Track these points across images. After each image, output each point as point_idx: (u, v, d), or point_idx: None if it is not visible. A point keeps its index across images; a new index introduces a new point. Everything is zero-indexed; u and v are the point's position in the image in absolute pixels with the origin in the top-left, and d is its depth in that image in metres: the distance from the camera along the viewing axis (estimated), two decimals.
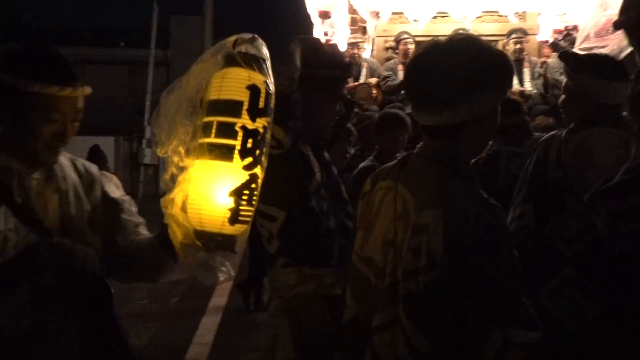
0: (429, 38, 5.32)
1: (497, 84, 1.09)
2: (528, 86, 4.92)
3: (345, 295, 1.27)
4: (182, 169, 1.08)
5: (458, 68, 1.05)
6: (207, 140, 1.07)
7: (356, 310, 1.20)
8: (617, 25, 1.31)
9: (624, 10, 1.30)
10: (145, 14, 14.99)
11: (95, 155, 5.99)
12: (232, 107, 1.07)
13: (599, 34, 4.61)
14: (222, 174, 1.07)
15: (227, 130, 1.07)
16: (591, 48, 4.56)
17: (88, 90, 1.20)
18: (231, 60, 1.09)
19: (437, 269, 1.02)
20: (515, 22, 4.98)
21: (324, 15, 4.89)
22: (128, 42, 16.85)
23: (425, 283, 1.03)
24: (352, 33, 5.31)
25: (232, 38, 1.11)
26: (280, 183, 1.83)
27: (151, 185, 13.67)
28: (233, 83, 1.07)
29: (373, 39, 5.27)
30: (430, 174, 1.10)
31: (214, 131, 1.07)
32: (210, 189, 1.07)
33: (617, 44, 4.42)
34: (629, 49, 4.48)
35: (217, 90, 1.08)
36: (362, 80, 5.09)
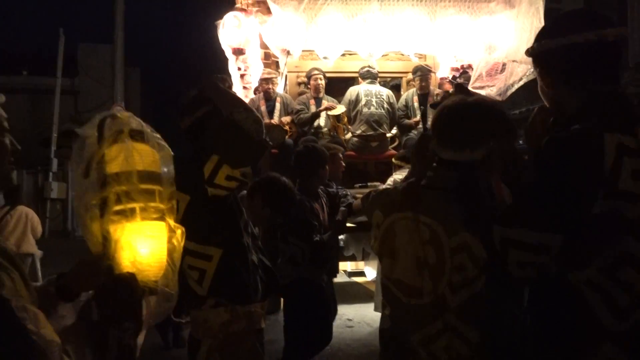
0: (339, 74, 5.65)
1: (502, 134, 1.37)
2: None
3: (384, 312, 1.47)
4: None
5: (479, 121, 1.35)
6: (133, 205, 1.20)
7: (394, 330, 1.40)
8: (527, 53, 1.38)
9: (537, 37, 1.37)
10: (51, 41, 14.35)
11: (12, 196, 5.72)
12: (150, 176, 1.24)
13: (489, 74, 5.11)
14: (160, 232, 1.24)
15: (148, 195, 1.23)
16: (483, 87, 5.04)
17: None
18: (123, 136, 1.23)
19: (483, 273, 1.27)
20: (416, 61, 5.37)
21: (238, 51, 5.01)
22: (32, 69, 15.99)
23: (476, 291, 1.28)
24: (265, 67, 5.48)
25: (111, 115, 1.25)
26: (217, 222, 1.91)
27: (58, 220, 12.92)
28: (136, 156, 1.23)
29: (285, 75, 5.46)
30: (449, 202, 1.33)
31: (137, 196, 1.21)
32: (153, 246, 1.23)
33: (503, 82, 4.93)
34: (515, 88, 4.99)
35: (121, 164, 1.22)
36: (276, 114, 5.24)
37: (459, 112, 1.37)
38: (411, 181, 1.45)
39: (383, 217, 1.42)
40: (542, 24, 4.46)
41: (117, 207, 1.18)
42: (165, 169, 1.27)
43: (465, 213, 1.31)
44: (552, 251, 1.13)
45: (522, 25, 4.61)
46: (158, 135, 1.31)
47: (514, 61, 4.66)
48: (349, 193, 3.54)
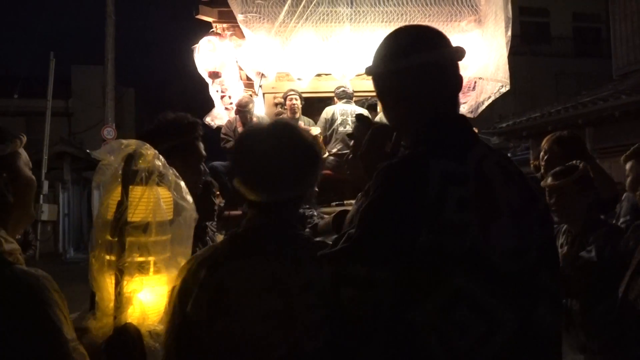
0: (315, 94, 5.71)
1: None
2: None
3: None
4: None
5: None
6: (148, 259, 1.26)
7: None
8: (366, 72, 1.29)
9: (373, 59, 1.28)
10: (44, 64, 14.50)
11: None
12: (164, 226, 1.29)
13: (462, 91, 5.18)
14: (165, 282, 1.29)
15: (161, 247, 1.29)
16: None
17: None
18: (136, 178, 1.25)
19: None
20: None
21: (214, 75, 5.10)
22: (25, 92, 16.15)
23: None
24: (246, 87, 5.55)
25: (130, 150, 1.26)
26: None
27: (49, 243, 12.94)
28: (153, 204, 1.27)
29: (262, 96, 5.54)
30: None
31: (153, 249, 1.27)
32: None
33: (474, 100, 5.00)
34: (485, 105, 5.06)
35: (143, 213, 1.25)
36: None
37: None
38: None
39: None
40: (507, 42, 4.55)
41: (133, 259, 1.22)
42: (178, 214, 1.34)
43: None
44: (383, 287, 1.02)
45: (490, 44, 4.69)
46: (173, 171, 1.35)
47: (480, 78, 4.73)
48: (315, 214, 3.58)
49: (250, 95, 5.54)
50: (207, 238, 3.02)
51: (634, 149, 1.84)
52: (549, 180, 2.43)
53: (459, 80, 1.24)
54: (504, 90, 4.60)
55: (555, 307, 1.11)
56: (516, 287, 1.05)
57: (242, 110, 5.29)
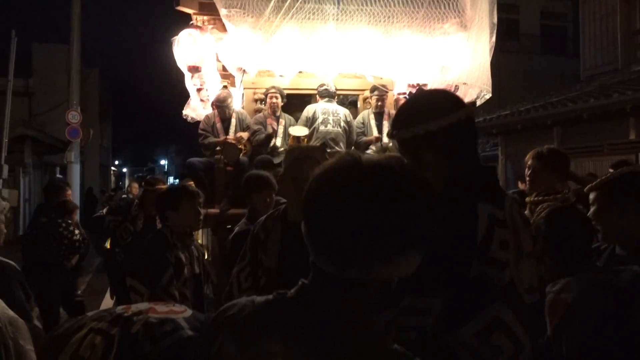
0: (297, 91, 5.64)
1: None
2: (385, 139, 5.35)
3: None
4: None
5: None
6: None
7: None
8: (390, 136, 1.41)
9: (398, 124, 1.38)
10: (4, 42, 13.81)
11: None
12: None
13: None
14: None
15: None
16: None
17: None
18: None
19: None
20: (372, 79, 5.39)
21: (194, 69, 4.97)
22: None
23: None
24: (223, 79, 5.41)
25: None
26: None
27: (9, 229, 12.45)
28: None
29: (243, 91, 5.43)
30: None
31: None
32: None
33: None
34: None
35: None
36: (231, 131, 5.20)
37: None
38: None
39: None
40: (491, 48, 4.57)
41: None
42: None
43: None
44: (433, 314, 1.15)
45: (474, 49, 4.71)
46: None
47: (464, 84, 4.75)
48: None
49: (226, 87, 5.42)
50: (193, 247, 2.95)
51: (600, 182, 1.87)
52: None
53: (477, 133, 1.41)
54: (487, 96, 4.64)
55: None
56: (532, 316, 1.26)
57: (221, 105, 5.18)
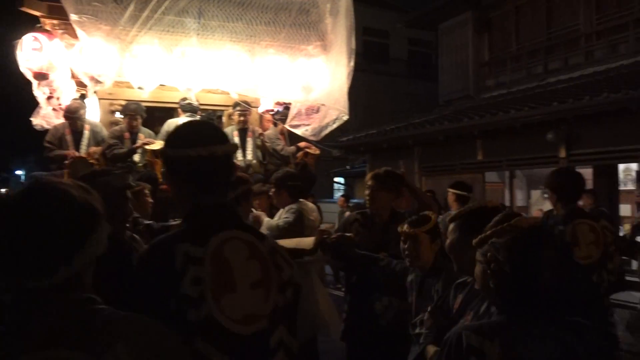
0: (158, 104, 5.43)
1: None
2: (250, 156, 5.36)
3: None
4: None
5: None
6: None
7: None
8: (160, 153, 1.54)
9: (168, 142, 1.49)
10: None
11: None
12: None
13: (307, 113, 5.34)
14: None
15: None
16: (299, 125, 5.25)
17: None
18: None
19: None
20: (236, 96, 5.38)
21: (40, 76, 4.57)
22: None
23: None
24: (78, 86, 5.05)
25: None
26: None
27: None
28: None
29: (98, 101, 5.12)
30: None
31: None
32: None
33: (318, 123, 5.18)
34: (329, 129, 5.26)
35: None
36: (84, 144, 4.87)
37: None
38: None
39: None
40: (349, 72, 4.79)
41: None
42: None
43: None
44: None
45: (334, 72, 4.90)
46: None
47: (323, 105, 4.91)
48: (155, 227, 3.42)
49: (84, 96, 5.08)
50: None
51: (459, 213, 1.95)
52: (405, 227, 2.64)
53: (231, 171, 1.50)
54: (345, 118, 4.83)
55: (290, 358, 1.40)
56: (248, 346, 1.31)
57: (71, 116, 4.83)
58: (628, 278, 7.01)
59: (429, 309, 2.20)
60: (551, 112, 7.92)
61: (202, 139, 1.40)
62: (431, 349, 2.05)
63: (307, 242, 3.10)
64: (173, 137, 1.47)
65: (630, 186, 9.16)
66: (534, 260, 1.37)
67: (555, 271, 1.42)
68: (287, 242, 2.96)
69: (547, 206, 4.19)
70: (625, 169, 9.17)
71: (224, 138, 1.47)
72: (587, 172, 7.22)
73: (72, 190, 1.12)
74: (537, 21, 10.99)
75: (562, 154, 8.30)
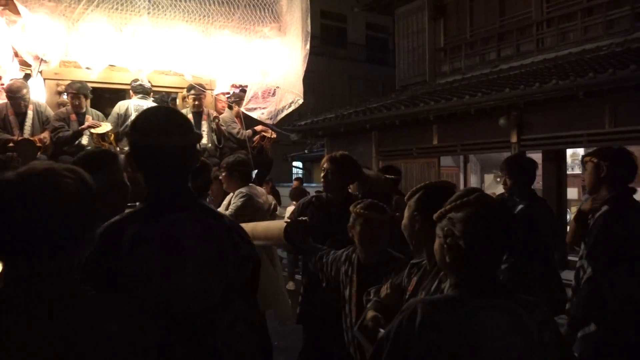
0: (107, 85, 5.24)
1: None
2: (205, 139, 5.25)
3: None
4: None
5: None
6: None
7: None
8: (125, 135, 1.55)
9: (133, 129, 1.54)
10: None
11: None
12: None
13: (263, 96, 5.26)
14: None
15: None
16: (255, 108, 5.17)
17: None
18: None
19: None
20: (190, 77, 5.25)
21: None
22: None
23: None
24: (22, 65, 4.80)
25: None
26: None
27: None
28: None
29: (44, 81, 4.89)
30: None
31: None
32: None
33: (274, 107, 5.12)
34: (285, 113, 5.21)
35: None
36: (27, 124, 4.65)
37: None
38: None
39: None
40: (305, 56, 4.74)
41: None
42: None
43: None
44: None
45: (290, 54, 4.84)
46: None
47: (278, 87, 4.85)
48: None
49: (28, 76, 4.84)
50: None
51: (416, 190, 1.92)
52: (360, 208, 2.57)
53: (195, 158, 1.54)
54: (300, 102, 4.79)
55: (249, 329, 1.45)
56: (199, 320, 1.36)
57: (14, 96, 4.59)
58: (570, 258, 7.34)
59: (389, 282, 2.10)
60: (503, 98, 8.11)
61: (170, 128, 1.44)
62: (370, 313, 1.97)
63: (277, 226, 2.99)
64: (139, 123, 1.49)
65: (577, 170, 9.53)
66: (489, 235, 1.38)
67: (511, 248, 1.46)
68: (255, 228, 2.94)
69: (500, 190, 4.31)
70: (573, 154, 9.53)
71: (191, 128, 1.52)
72: (537, 157, 7.47)
73: (74, 175, 1.16)
74: (491, 8, 11.19)
75: (514, 139, 8.54)
